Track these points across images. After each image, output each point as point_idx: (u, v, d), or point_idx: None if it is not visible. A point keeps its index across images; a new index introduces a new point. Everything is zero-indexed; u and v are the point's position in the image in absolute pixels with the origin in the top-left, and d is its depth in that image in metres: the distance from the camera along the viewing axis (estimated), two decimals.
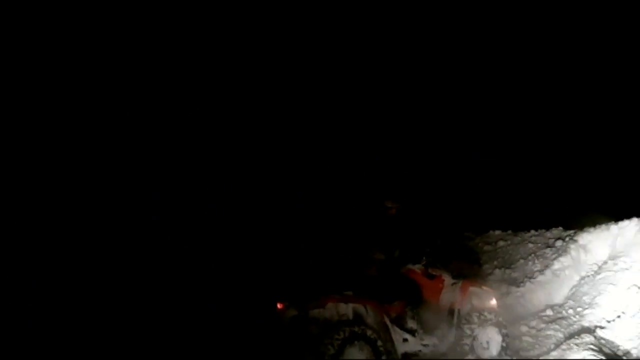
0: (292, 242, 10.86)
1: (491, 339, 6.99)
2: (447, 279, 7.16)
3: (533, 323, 7.91)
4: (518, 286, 9.09)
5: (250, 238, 11.15)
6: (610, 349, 6.43)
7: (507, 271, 9.81)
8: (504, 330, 7.11)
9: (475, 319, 6.96)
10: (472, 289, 7.18)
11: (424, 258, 7.28)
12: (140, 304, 8.74)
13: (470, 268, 9.92)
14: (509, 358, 6.99)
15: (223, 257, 10.39)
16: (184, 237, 11.08)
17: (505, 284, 9.27)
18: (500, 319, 7.16)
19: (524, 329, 7.78)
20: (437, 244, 7.94)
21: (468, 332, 6.90)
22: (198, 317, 8.32)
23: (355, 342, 6.22)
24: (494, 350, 6.95)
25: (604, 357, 6.02)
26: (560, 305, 8.36)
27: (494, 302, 7.21)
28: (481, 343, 6.93)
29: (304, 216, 12.12)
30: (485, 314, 7.03)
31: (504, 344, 7.03)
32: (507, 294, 8.94)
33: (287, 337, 6.60)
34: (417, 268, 7.21)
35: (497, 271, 9.92)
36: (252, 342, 7.25)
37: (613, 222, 9.23)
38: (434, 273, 7.17)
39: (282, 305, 6.70)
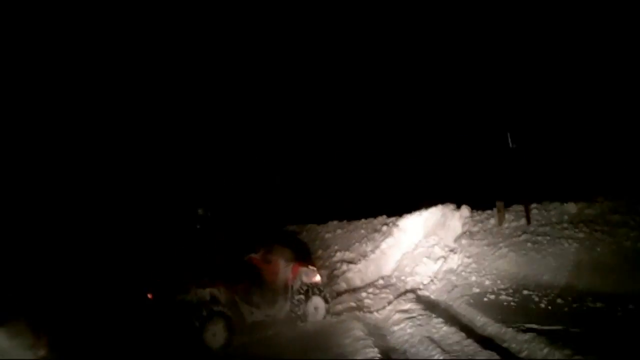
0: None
1: (318, 306, 8.77)
2: (281, 263, 8.95)
3: (370, 290, 9.81)
4: (356, 263, 10.95)
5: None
6: (426, 302, 8.49)
7: (346, 253, 11.65)
8: (327, 297, 8.92)
9: (303, 292, 8.67)
10: (300, 269, 8.93)
11: (261, 248, 8.97)
12: None
13: (301, 253, 11.62)
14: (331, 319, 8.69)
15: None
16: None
17: (345, 263, 11.10)
18: (324, 289, 9.01)
19: (363, 294, 9.61)
20: (270, 237, 9.85)
21: (299, 302, 8.58)
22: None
23: (214, 317, 7.79)
24: (321, 313, 8.75)
25: (423, 306, 8.02)
26: (389, 276, 10.48)
27: (318, 277, 9.10)
28: (310, 309, 8.67)
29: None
30: (312, 287, 8.79)
31: (327, 308, 8.82)
32: (348, 270, 10.77)
33: (158, 319, 7.80)
34: (256, 256, 8.93)
35: (338, 253, 11.71)
36: (129, 328, 8.12)
37: (424, 208, 11.55)
38: (270, 258, 8.91)
39: (151, 295, 7.90)
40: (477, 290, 8.49)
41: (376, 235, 11.94)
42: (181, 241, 9.05)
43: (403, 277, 10.07)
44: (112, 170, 14.98)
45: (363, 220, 13.17)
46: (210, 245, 8.67)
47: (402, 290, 9.44)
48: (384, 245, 11.28)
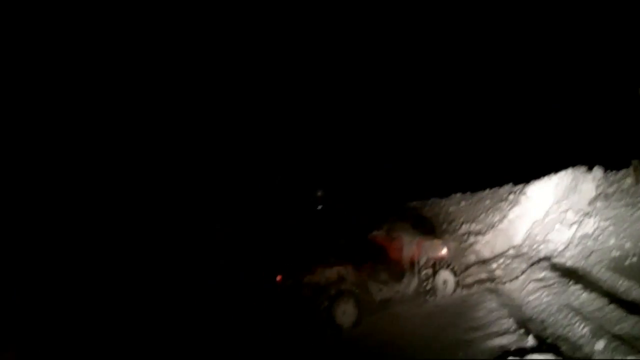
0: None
1: (447, 280, 8.73)
2: (406, 238, 8.95)
3: (500, 261, 9.67)
4: (484, 235, 10.84)
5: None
6: (562, 270, 8.22)
7: (472, 225, 11.53)
8: (456, 270, 8.83)
9: (431, 266, 8.65)
10: (425, 243, 8.90)
11: (384, 225, 9.09)
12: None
13: (425, 227, 11.61)
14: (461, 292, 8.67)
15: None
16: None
17: (472, 235, 11.02)
18: (452, 262, 8.91)
19: (494, 265, 9.51)
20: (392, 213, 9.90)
21: (426, 277, 8.59)
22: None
23: (343, 296, 7.96)
24: (450, 287, 8.70)
25: (559, 273, 7.78)
26: (520, 245, 10.20)
27: (445, 251, 8.98)
28: (438, 284, 8.64)
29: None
30: (439, 261, 8.75)
31: (457, 281, 8.75)
32: (475, 242, 10.70)
33: (287, 301, 8.25)
34: (380, 233, 9.08)
35: (464, 226, 11.64)
36: (259, 309, 8.70)
37: (553, 173, 11.07)
38: (394, 235, 8.99)
39: (280, 277, 8.36)
40: (617, 253, 8.01)
41: (503, 204, 11.67)
42: (304, 223, 9.44)
43: (535, 246, 9.75)
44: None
45: (488, 190, 12.91)
46: (333, 225, 9.00)
47: (535, 259, 9.15)
48: (511, 215, 11.01)
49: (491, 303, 7.27)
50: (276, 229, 11.00)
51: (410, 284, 8.67)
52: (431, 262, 8.73)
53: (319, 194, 9.34)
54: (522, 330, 5.99)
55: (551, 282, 7.51)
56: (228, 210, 13.65)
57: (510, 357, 5.16)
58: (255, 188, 14.75)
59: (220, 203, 14.00)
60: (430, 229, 11.52)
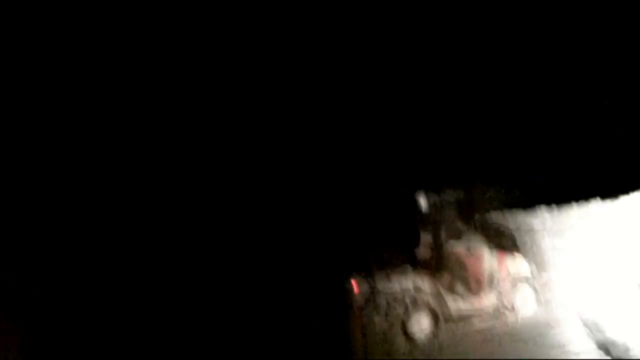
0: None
1: (526, 297, 8.46)
2: (485, 252, 8.66)
3: (583, 280, 9.32)
4: (567, 251, 10.44)
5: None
6: None
7: (556, 240, 11.08)
8: (536, 287, 8.44)
9: (510, 282, 8.29)
10: (506, 257, 8.57)
11: (463, 236, 8.98)
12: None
13: (507, 241, 11.22)
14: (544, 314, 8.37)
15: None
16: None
17: (556, 251, 10.62)
18: (533, 278, 8.47)
19: (576, 284, 9.18)
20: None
21: (505, 293, 8.28)
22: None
23: (417, 306, 7.77)
24: (530, 306, 8.46)
25: None
26: (605, 265, 9.76)
27: (525, 266, 8.56)
28: (518, 300, 8.30)
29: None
30: (519, 276, 8.40)
31: (538, 298, 8.45)
32: (558, 259, 10.31)
33: (362, 307, 8.17)
34: (460, 246, 8.85)
35: (547, 241, 11.21)
36: (328, 315, 8.72)
37: None
38: (474, 247, 8.85)
39: (355, 281, 8.31)
40: None
41: (590, 221, 11.17)
42: (383, 230, 9.36)
43: (623, 268, 9.35)
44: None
45: (574, 204, 12.37)
46: (412, 233, 8.91)
47: (623, 281, 8.79)
48: (598, 232, 10.56)
49: (572, 322, 7.05)
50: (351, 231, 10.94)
51: (489, 299, 8.47)
52: (511, 278, 8.48)
53: (415, 199, 9.22)
54: (602, 352, 5.82)
55: (638, 307, 7.19)
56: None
57: None
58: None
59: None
60: (511, 242, 11.27)
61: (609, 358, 5.72)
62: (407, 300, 7.92)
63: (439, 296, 8.23)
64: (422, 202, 9.24)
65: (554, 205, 12.88)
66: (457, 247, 8.96)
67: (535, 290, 8.56)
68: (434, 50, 17.03)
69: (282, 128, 15.57)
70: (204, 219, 12.57)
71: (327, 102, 16.14)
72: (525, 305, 8.43)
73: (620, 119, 14.79)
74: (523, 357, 6.46)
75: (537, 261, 10.60)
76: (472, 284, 8.52)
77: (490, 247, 8.86)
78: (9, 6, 12.93)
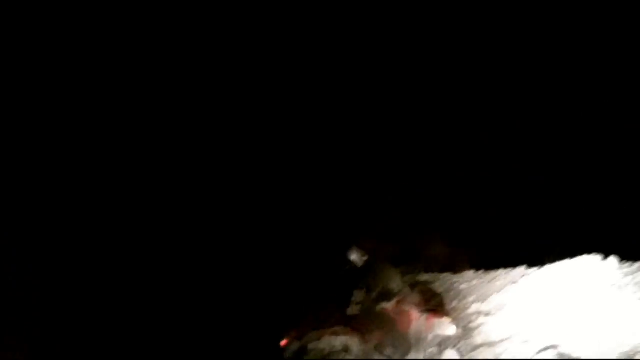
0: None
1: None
2: (415, 313, 8.82)
3: (507, 345, 9.43)
4: (493, 316, 10.60)
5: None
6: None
7: (483, 305, 11.31)
8: (462, 351, 8.65)
9: (437, 344, 8.49)
10: (434, 320, 8.76)
11: (394, 297, 8.99)
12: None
13: (436, 303, 11.40)
14: None
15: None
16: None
17: (482, 315, 10.79)
18: (460, 342, 8.73)
19: (500, 349, 9.29)
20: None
21: (431, 355, 8.43)
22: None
23: None
24: None
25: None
26: (528, 330, 9.88)
27: (453, 329, 8.81)
28: None
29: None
30: (445, 339, 8.60)
31: None
32: (484, 323, 10.44)
33: None
34: (390, 305, 8.87)
35: (473, 305, 11.43)
36: None
37: (567, 259, 10.94)
38: (404, 308, 8.91)
39: (285, 341, 8.31)
40: (627, 348, 7.84)
41: (515, 287, 11.48)
42: (323, 286, 9.37)
43: (543, 333, 9.54)
44: None
45: (502, 270, 12.75)
46: (347, 292, 8.94)
47: (543, 346, 8.95)
48: (523, 298, 10.82)
49: None
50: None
51: None
52: (438, 340, 8.60)
53: (352, 257, 9.30)
54: None
55: None
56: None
57: None
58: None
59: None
60: (440, 305, 11.38)
61: None
62: None
63: (367, 355, 8.23)
64: (356, 259, 9.35)
65: (481, 271, 13.28)
66: (388, 306, 9.04)
67: (461, 354, 8.64)
68: None
69: None
70: None
71: None
72: None
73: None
74: None
75: (465, 325, 10.76)
76: (401, 344, 8.60)
77: (419, 309, 8.99)
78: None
